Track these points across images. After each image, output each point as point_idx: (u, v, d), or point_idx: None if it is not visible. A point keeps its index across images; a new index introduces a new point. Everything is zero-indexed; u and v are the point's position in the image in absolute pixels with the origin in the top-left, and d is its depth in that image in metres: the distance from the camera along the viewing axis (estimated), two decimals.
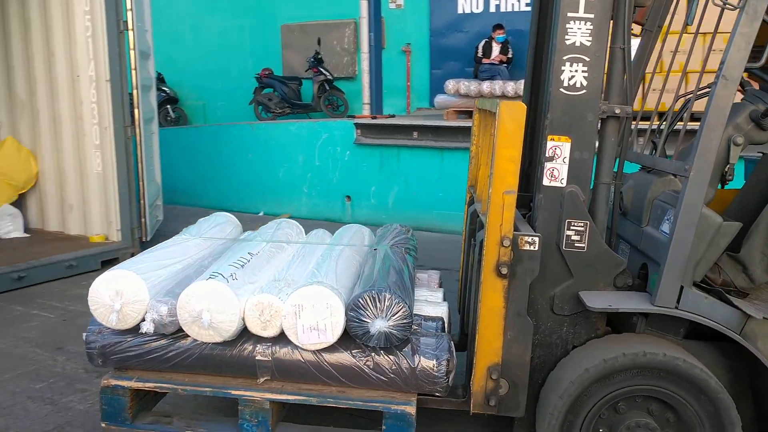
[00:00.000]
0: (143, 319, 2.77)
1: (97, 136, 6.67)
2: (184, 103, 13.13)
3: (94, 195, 6.83)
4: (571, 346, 2.96)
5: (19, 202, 7.24)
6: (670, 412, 2.75)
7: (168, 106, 12.32)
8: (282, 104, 11.40)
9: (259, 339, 2.84)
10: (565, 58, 2.74)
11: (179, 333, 2.83)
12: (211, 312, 2.67)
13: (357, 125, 9.00)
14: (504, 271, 2.72)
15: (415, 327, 2.94)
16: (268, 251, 3.36)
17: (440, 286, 3.93)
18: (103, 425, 2.91)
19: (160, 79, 11.80)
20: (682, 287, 2.69)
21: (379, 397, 2.83)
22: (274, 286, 2.88)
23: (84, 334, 2.93)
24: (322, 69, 11.23)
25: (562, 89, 2.77)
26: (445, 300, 3.57)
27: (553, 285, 2.90)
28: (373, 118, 9.44)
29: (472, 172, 3.89)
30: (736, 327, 2.74)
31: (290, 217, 4.43)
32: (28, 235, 7.06)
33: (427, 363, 2.79)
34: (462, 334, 3.70)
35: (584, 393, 2.69)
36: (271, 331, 2.78)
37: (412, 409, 2.77)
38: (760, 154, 3.47)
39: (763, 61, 2.57)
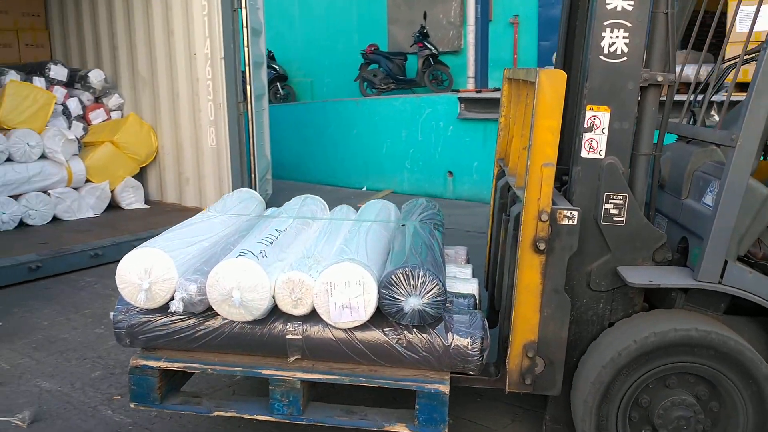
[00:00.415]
0: (172, 298, 2.71)
1: (212, 112, 6.90)
2: (293, 80, 13.15)
3: (208, 168, 7.12)
4: (607, 322, 2.88)
5: (141, 176, 7.68)
6: (705, 386, 2.69)
7: (277, 84, 12.35)
8: (387, 80, 11.30)
9: (290, 317, 2.78)
10: (605, 23, 2.62)
11: (208, 312, 2.78)
12: (241, 290, 2.61)
13: (461, 99, 8.83)
14: (541, 246, 2.63)
15: (447, 304, 2.87)
16: (295, 228, 3.29)
17: (467, 262, 3.86)
18: (132, 406, 2.87)
19: (270, 57, 11.82)
20: (726, 262, 2.60)
21: (411, 375, 2.77)
22: (304, 263, 2.81)
23: (111, 314, 2.88)
24: (427, 43, 11.01)
25: (602, 56, 2.65)
26: (474, 276, 3.50)
27: (589, 260, 2.81)
28: (478, 92, 9.25)
29: (500, 144, 3.78)
30: None
31: (392, 193, 4.36)
32: (148, 206, 7.49)
33: (460, 341, 2.72)
34: (491, 310, 3.63)
35: (627, 367, 2.62)
36: (302, 309, 2.72)
37: (446, 388, 2.71)
38: None
39: None
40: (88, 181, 7.03)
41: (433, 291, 2.62)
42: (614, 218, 2.77)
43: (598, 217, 2.77)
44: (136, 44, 7.53)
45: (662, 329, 2.59)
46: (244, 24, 6.67)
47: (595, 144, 2.74)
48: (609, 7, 2.62)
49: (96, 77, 7.55)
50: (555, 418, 2.96)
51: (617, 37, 2.64)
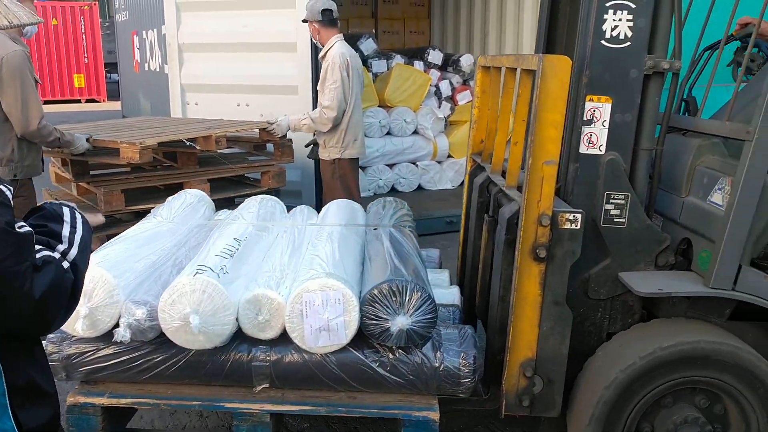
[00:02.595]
0: (117, 325, 2.31)
1: None
2: None
3: None
4: (605, 333, 2.64)
5: None
6: (711, 399, 2.48)
7: None
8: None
9: (255, 341, 2.42)
10: (608, 4, 2.36)
11: (160, 338, 2.38)
12: (201, 314, 2.23)
13: None
14: (542, 254, 2.35)
15: None
16: (255, 235, 2.91)
17: (440, 266, 3.57)
18: None
19: None
20: (740, 266, 2.37)
21: (395, 402, 2.45)
22: (270, 278, 2.45)
23: (43, 343, 2.45)
24: None
25: (603, 41, 2.39)
26: (452, 283, 3.21)
27: (588, 266, 2.55)
28: None
29: (474, 138, 3.49)
30: None
31: None
32: None
33: (451, 361, 2.42)
34: (467, 317, 3.34)
35: (635, 383, 2.38)
36: (269, 333, 2.37)
37: (435, 415, 2.41)
38: None
39: None
40: (449, 156, 7.60)
41: (424, 308, 2.30)
42: (615, 220, 2.52)
43: (598, 219, 2.52)
44: (505, 30, 7.85)
45: (687, 339, 2.35)
46: None
47: (594, 138, 2.48)
48: None
49: (466, 61, 7.91)
50: None
51: (620, 19, 2.38)
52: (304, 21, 4.69)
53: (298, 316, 2.29)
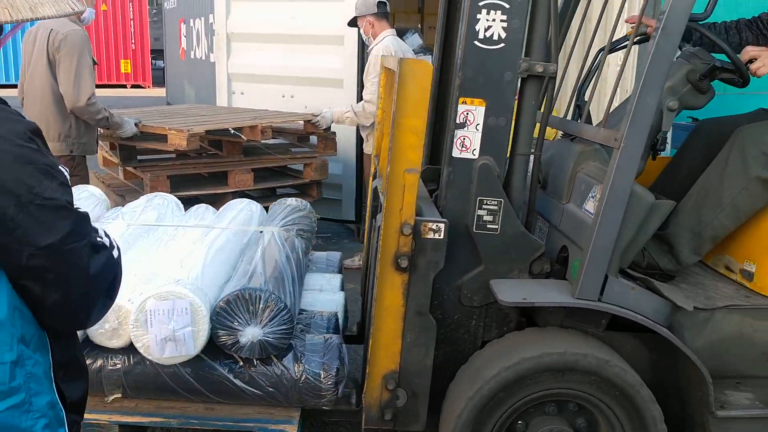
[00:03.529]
0: None
1: None
2: None
3: None
4: (480, 341, 2.56)
5: None
6: (583, 416, 2.42)
7: None
8: None
9: (107, 348, 2.29)
10: (481, 4, 2.26)
11: None
12: None
13: None
14: (404, 264, 2.26)
15: (303, 326, 2.48)
16: (131, 236, 2.78)
17: (340, 271, 3.46)
18: None
19: None
20: (606, 276, 2.31)
21: (254, 414, 2.35)
22: (127, 283, 2.32)
23: None
24: None
25: (476, 42, 2.30)
26: (342, 289, 3.11)
27: (461, 272, 2.47)
28: None
29: (377, 140, 3.39)
30: (664, 319, 2.40)
31: None
32: None
33: (312, 373, 2.33)
34: (364, 325, 3.25)
35: (497, 396, 2.30)
36: (118, 342, 2.25)
37: (293, 429, 2.32)
38: (690, 120, 3.15)
39: (709, 12, 2.18)
40: None
41: (278, 318, 2.21)
42: (488, 226, 2.44)
43: (471, 225, 2.43)
44: None
45: (532, 354, 2.28)
46: None
47: (468, 142, 2.39)
48: None
49: None
50: None
51: (494, 20, 2.29)
52: (352, 24, 4.74)
53: (143, 326, 2.17)
